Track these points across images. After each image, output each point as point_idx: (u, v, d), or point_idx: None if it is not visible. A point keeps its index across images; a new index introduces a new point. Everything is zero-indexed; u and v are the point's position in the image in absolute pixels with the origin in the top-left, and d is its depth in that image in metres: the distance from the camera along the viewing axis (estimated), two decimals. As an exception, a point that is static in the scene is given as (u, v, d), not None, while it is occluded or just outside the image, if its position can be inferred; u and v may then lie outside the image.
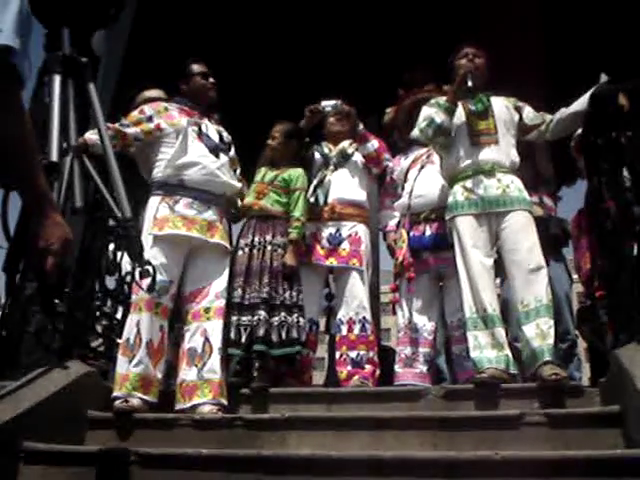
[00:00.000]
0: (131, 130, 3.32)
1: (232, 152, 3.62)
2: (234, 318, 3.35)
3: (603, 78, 3.14)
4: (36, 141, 1.56)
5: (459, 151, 3.41)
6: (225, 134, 3.60)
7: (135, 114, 3.38)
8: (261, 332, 3.31)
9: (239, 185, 3.61)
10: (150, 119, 3.36)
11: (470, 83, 3.36)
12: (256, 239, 3.54)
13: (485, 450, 2.18)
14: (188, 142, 3.34)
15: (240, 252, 3.53)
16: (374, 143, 3.90)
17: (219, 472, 2.27)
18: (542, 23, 4.73)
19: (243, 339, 3.30)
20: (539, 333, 3.00)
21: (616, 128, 2.88)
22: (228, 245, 3.42)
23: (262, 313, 3.34)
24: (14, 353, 2.72)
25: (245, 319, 3.34)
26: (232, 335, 3.32)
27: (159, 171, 3.34)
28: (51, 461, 2.41)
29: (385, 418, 2.62)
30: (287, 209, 3.65)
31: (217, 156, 3.41)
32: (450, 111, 3.40)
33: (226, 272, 3.37)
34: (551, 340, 3.00)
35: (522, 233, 3.20)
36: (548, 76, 4.59)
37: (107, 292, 3.23)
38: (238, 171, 3.70)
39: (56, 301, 2.80)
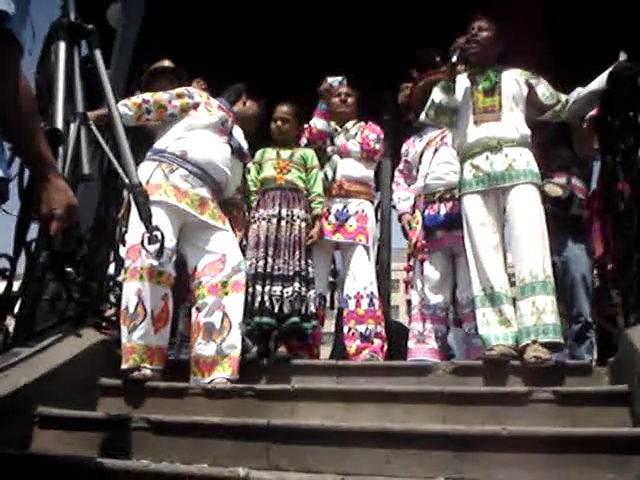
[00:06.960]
0: (173, 104, 3.28)
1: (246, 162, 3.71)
2: (265, 288, 3.36)
3: (622, 56, 3.10)
4: (38, 107, 1.55)
5: (465, 129, 3.38)
6: (245, 144, 3.66)
7: (180, 90, 3.34)
8: (298, 305, 3.37)
9: (234, 189, 3.59)
10: (192, 97, 3.33)
11: (455, 59, 3.30)
12: (283, 211, 3.55)
13: (493, 425, 2.19)
14: (211, 126, 3.35)
15: (264, 222, 3.52)
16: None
17: (229, 440, 2.29)
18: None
19: (276, 309, 3.32)
20: (534, 311, 2.97)
21: (634, 108, 2.86)
22: (219, 225, 3.26)
23: (297, 285, 3.39)
24: (29, 320, 2.76)
25: (277, 289, 3.36)
26: (261, 305, 3.33)
27: (166, 138, 3.26)
28: (65, 426, 2.45)
29: (394, 391, 2.64)
30: (306, 185, 3.71)
31: (231, 152, 3.43)
32: (447, 88, 3.38)
33: (236, 245, 3.31)
34: (548, 319, 2.94)
35: (523, 207, 3.16)
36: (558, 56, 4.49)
37: (121, 262, 3.25)
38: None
39: (69, 269, 2.84)
